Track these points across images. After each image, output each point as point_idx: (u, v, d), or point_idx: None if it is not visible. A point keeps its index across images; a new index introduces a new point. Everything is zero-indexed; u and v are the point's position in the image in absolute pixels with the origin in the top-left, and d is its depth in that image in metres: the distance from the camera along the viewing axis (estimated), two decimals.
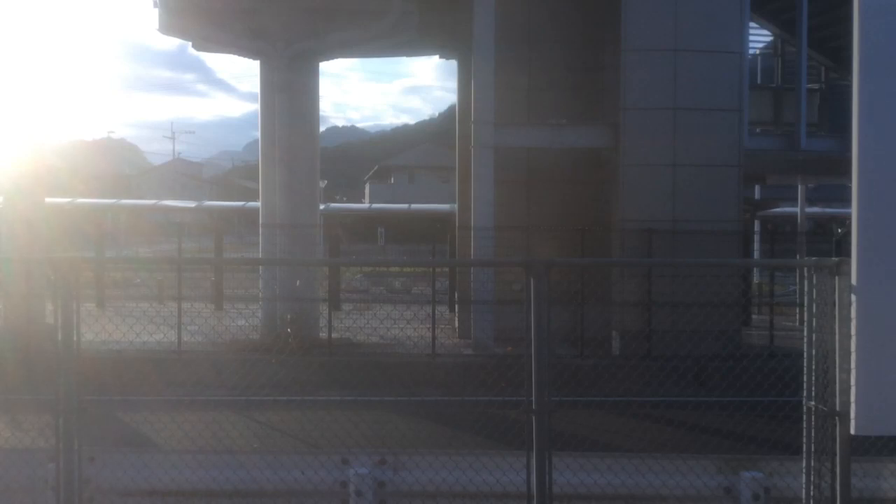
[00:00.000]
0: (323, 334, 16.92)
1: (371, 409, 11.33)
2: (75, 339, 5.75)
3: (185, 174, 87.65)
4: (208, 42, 18.41)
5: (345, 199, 74.45)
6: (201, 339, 16.63)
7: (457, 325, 19.18)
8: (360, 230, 51.42)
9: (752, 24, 21.66)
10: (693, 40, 16.06)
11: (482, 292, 16.11)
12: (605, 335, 16.50)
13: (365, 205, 39.98)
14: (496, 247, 16.15)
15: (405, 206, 33.71)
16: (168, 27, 17.61)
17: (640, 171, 16.19)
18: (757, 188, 28.14)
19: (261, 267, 17.98)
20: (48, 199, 25.71)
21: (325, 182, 58.04)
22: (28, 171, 16.17)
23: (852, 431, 4.48)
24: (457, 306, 19.83)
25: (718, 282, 15.89)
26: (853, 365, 4.58)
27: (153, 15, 17.77)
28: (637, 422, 11.44)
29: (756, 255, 27.69)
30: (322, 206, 29.61)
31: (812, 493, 5.44)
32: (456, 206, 20.63)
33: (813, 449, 5.41)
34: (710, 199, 16.08)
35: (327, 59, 18.69)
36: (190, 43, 19.17)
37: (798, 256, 11.49)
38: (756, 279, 24.88)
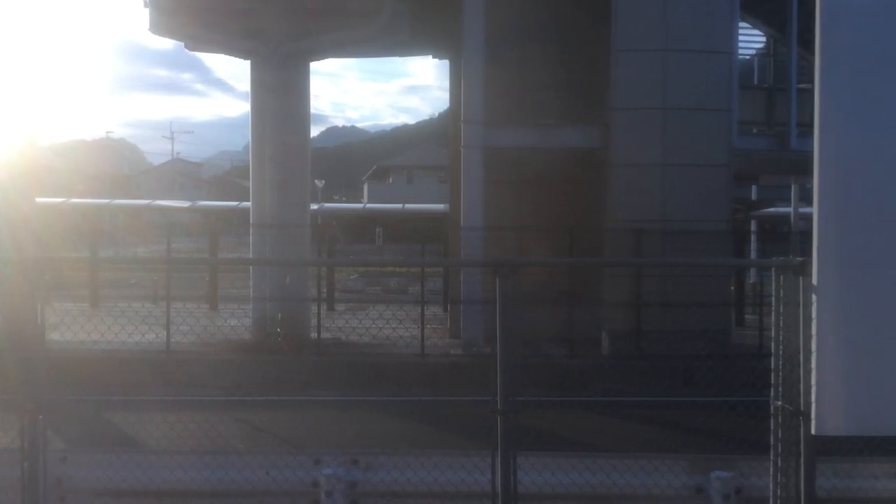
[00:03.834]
0: (314, 334, 16.94)
1: (357, 410, 11.35)
2: (40, 338, 5.75)
3: (183, 174, 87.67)
4: (199, 42, 18.43)
5: (344, 199, 74.45)
6: (192, 339, 16.63)
7: (449, 325, 19.18)
8: (359, 230, 51.48)
9: (746, 26, 21.69)
10: (683, 40, 16.05)
11: (471, 292, 16.11)
12: (597, 335, 16.51)
13: (359, 205, 39.95)
14: (485, 247, 16.14)
15: (399, 206, 33.70)
16: (159, 27, 17.61)
17: (629, 171, 16.18)
18: (754, 188, 28.15)
19: (251, 267, 17.96)
20: (43, 200, 25.78)
21: (323, 182, 58.01)
22: (18, 171, 16.17)
23: (813, 431, 4.48)
24: (449, 306, 19.84)
25: (708, 282, 15.92)
26: (813, 364, 4.58)
27: (144, 15, 17.77)
28: (623, 422, 11.41)
29: (753, 255, 27.67)
30: (316, 206, 29.73)
31: (779, 493, 5.44)
32: (449, 206, 20.65)
33: (780, 448, 5.42)
34: (699, 199, 16.08)
35: (319, 59, 18.69)
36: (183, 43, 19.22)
37: (791, 256, 11.46)
38: (751, 279, 24.89)
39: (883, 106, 4.61)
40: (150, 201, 30.62)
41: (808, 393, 4.88)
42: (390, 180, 68.88)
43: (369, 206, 37.86)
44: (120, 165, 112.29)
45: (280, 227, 16.76)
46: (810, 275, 4.78)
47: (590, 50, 17.29)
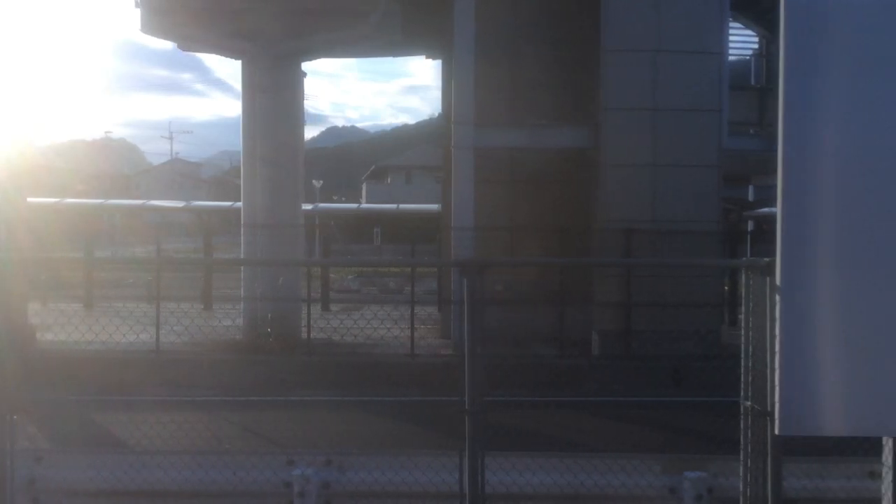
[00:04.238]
0: (305, 334, 16.96)
1: (346, 410, 11.36)
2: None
3: (182, 174, 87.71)
4: (192, 42, 18.45)
5: (344, 199, 74.45)
6: (184, 339, 16.63)
7: (441, 325, 19.20)
8: (357, 230, 51.47)
9: (739, 26, 21.69)
10: (673, 41, 16.05)
11: (460, 292, 16.07)
12: (588, 335, 16.52)
13: (354, 205, 39.98)
14: (476, 247, 16.15)
15: (394, 206, 33.73)
16: (150, 27, 17.62)
17: (620, 171, 16.18)
18: (751, 188, 28.17)
19: (242, 267, 17.97)
20: (37, 200, 25.78)
21: (321, 182, 58.06)
22: (12, 171, 16.20)
23: (776, 431, 4.49)
24: (441, 307, 19.85)
25: (704, 282, 15.93)
26: (777, 364, 4.59)
27: (136, 15, 17.77)
28: (612, 423, 11.43)
29: (749, 255, 27.65)
30: (310, 206, 29.70)
31: (749, 493, 5.45)
32: (442, 206, 20.65)
33: (750, 448, 5.43)
34: (690, 199, 16.07)
35: (311, 59, 18.70)
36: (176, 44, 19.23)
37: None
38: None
39: (846, 108, 4.62)
40: (144, 201, 30.62)
41: (773, 393, 4.89)
42: (389, 180, 68.90)
43: (364, 206, 37.86)
44: (120, 165, 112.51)
45: (272, 228, 16.77)
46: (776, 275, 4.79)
47: (581, 50, 17.29)
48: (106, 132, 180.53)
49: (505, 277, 17.93)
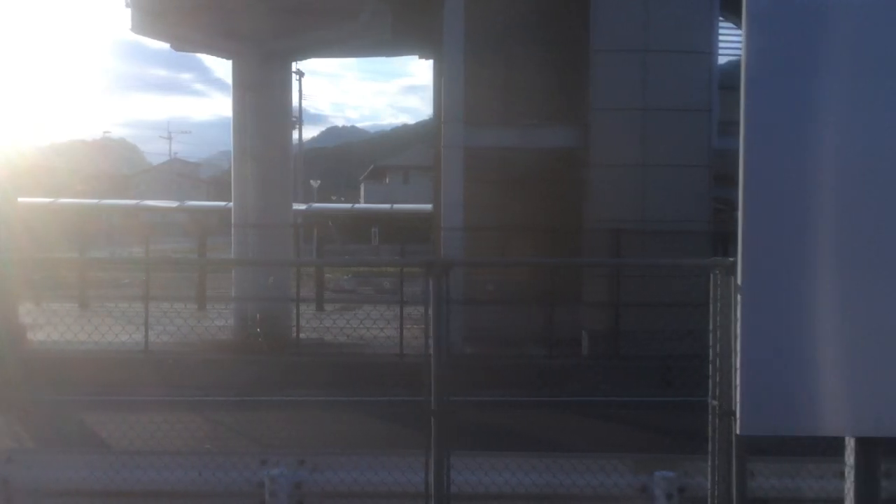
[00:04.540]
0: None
1: (333, 410, 11.38)
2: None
3: (181, 174, 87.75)
4: (182, 42, 18.47)
5: (343, 199, 74.44)
6: (175, 339, 16.64)
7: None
8: (355, 230, 51.47)
9: (730, 26, 21.66)
10: (662, 41, 16.04)
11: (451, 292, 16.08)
12: (578, 335, 16.52)
13: (347, 205, 40.03)
14: (466, 247, 16.16)
15: (388, 206, 33.76)
16: (141, 27, 17.63)
17: (609, 171, 16.18)
18: None
19: (233, 267, 17.99)
20: (29, 200, 25.79)
21: (319, 182, 58.10)
22: (5, 171, 16.23)
23: (737, 431, 4.50)
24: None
25: (696, 282, 15.86)
26: (738, 364, 4.61)
27: (126, 15, 17.77)
28: (598, 422, 11.43)
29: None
30: (304, 206, 29.76)
31: (717, 492, 5.46)
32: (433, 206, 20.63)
33: (718, 448, 5.44)
34: (679, 199, 16.07)
35: (301, 58, 18.74)
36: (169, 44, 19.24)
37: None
38: None
39: (807, 110, 4.63)
40: (138, 201, 30.63)
41: (735, 392, 4.90)
42: (387, 180, 68.91)
43: (357, 206, 37.90)
44: (119, 165, 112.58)
45: (262, 227, 16.78)
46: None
47: (572, 50, 17.29)
48: (104, 132, 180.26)
49: (496, 277, 17.96)
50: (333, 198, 72.28)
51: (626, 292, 15.94)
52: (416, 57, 21.76)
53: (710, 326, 5.49)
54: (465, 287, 16.84)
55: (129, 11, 17.72)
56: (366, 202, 60.92)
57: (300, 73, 58.08)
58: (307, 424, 10.78)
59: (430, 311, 5.22)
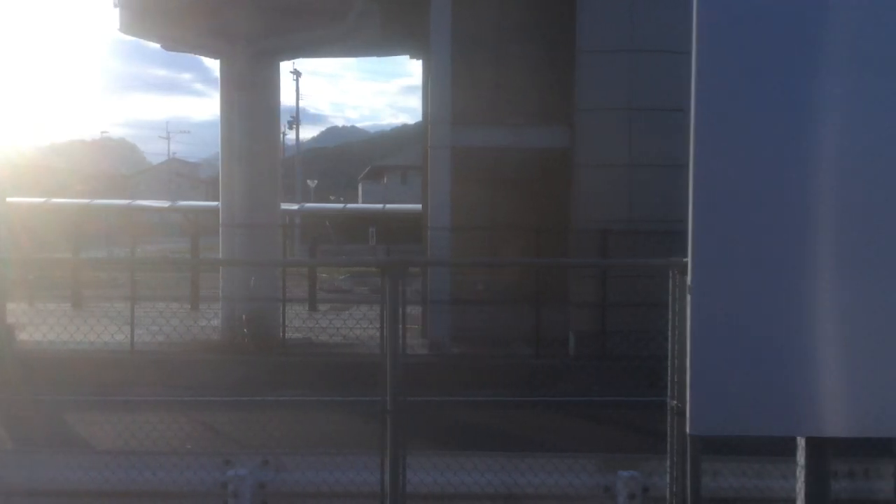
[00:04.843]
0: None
1: (318, 410, 11.38)
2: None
3: (180, 174, 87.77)
4: (171, 42, 18.46)
5: (342, 199, 74.45)
6: (163, 339, 16.65)
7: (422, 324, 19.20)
8: (352, 230, 51.47)
9: None
10: (648, 41, 16.02)
11: (437, 292, 16.13)
12: (565, 336, 16.52)
13: (339, 205, 40.12)
14: (453, 247, 16.16)
15: (380, 206, 33.79)
16: (129, 27, 17.63)
17: (596, 171, 16.17)
18: None
19: (221, 268, 18.00)
20: (21, 200, 25.82)
21: (316, 182, 58.13)
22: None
23: (687, 430, 4.49)
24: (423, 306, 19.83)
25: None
26: (688, 363, 4.60)
27: (114, 15, 17.76)
28: (582, 422, 11.43)
29: None
30: (296, 206, 29.81)
31: (675, 491, 5.46)
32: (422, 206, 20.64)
33: (676, 447, 5.44)
34: (667, 199, 16.01)
35: (289, 58, 18.75)
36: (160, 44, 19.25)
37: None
38: None
39: (756, 109, 4.63)
40: (129, 201, 30.63)
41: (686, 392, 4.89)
42: (385, 180, 68.90)
43: (349, 206, 37.98)
44: (119, 165, 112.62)
45: (249, 227, 16.78)
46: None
47: (560, 50, 17.29)
48: (102, 132, 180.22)
49: (485, 278, 17.97)
50: (332, 198, 72.33)
51: (613, 292, 15.93)
52: (404, 56, 21.76)
53: (670, 327, 5.49)
54: (452, 287, 16.88)
55: (117, 12, 17.71)
56: (364, 202, 60.94)
57: (297, 73, 58.22)
58: (288, 424, 10.76)
59: (385, 312, 5.21)
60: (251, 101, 17.26)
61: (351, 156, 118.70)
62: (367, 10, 17.21)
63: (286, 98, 55.90)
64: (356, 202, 64.21)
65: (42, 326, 14.04)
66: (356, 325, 16.18)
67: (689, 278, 4.69)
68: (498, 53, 17.74)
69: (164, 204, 28.17)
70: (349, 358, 15.73)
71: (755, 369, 4.73)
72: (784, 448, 6.09)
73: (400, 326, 5.24)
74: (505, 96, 17.58)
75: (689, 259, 4.70)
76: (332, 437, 10.14)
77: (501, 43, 17.69)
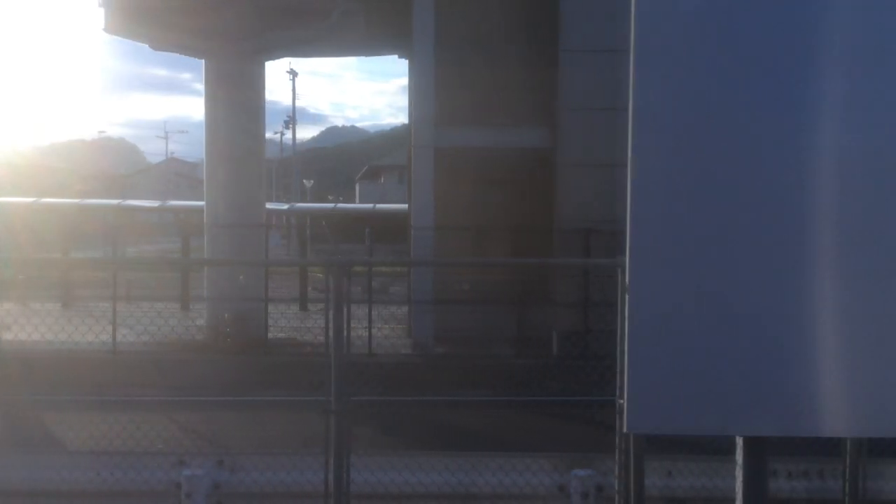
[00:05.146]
0: (270, 334, 17.00)
1: (297, 410, 11.36)
2: None
3: (179, 174, 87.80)
4: (155, 41, 18.44)
5: (342, 199, 74.47)
6: (149, 339, 16.65)
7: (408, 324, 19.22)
8: (349, 230, 51.38)
9: None
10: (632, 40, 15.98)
11: (421, 292, 16.14)
12: (549, 335, 16.51)
13: (329, 204, 40.22)
14: (436, 247, 16.17)
15: (370, 205, 33.85)
16: (113, 27, 17.61)
17: (579, 171, 16.16)
18: None
19: (206, 267, 18.01)
20: (11, 200, 25.83)
21: (312, 182, 58.14)
22: None
23: (624, 428, 4.50)
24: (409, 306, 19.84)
25: None
26: (626, 363, 4.59)
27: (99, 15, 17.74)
28: (563, 422, 11.43)
29: None
30: (286, 206, 29.89)
31: (619, 489, 5.47)
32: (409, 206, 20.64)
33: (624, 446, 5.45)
34: None
35: (274, 58, 18.71)
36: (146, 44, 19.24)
37: None
38: None
39: (693, 107, 4.62)
40: (120, 201, 30.67)
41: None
42: (382, 180, 68.92)
43: (339, 205, 38.06)
44: (118, 165, 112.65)
45: (231, 227, 16.77)
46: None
47: (542, 50, 17.28)
48: (99, 132, 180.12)
49: (471, 277, 17.96)
50: (330, 197, 72.36)
51: (597, 291, 15.91)
52: (392, 56, 21.76)
53: (618, 327, 5.49)
54: (440, 288, 16.89)
55: (101, 11, 17.69)
56: (361, 202, 60.91)
57: (293, 73, 58.27)
58: (259, 425, 10.77)
59: (331, 311, 5.21)
60: (234, 101, 17.23)
61: (350, 155, 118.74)
62: (351, 10, 17.18)
63: (284, 98, 55.86)
64: (354, 202, 64.24)
65: (27, 326, 14.05)
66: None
67: (627, 277, 4.70)
68: (482, 53, 17.72)
69: (154, 204, 28.19)
70: (328, 358, 15.70)
71: (692, 368, 4.73)
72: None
73: (345, 325, 5.23)
74: (489, 96, 17.56)
75: (626, 258, 4.70)
76: (303, 436, 10.12)
77: (485, 43, 17.67)
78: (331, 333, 5.30)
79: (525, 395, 12.37)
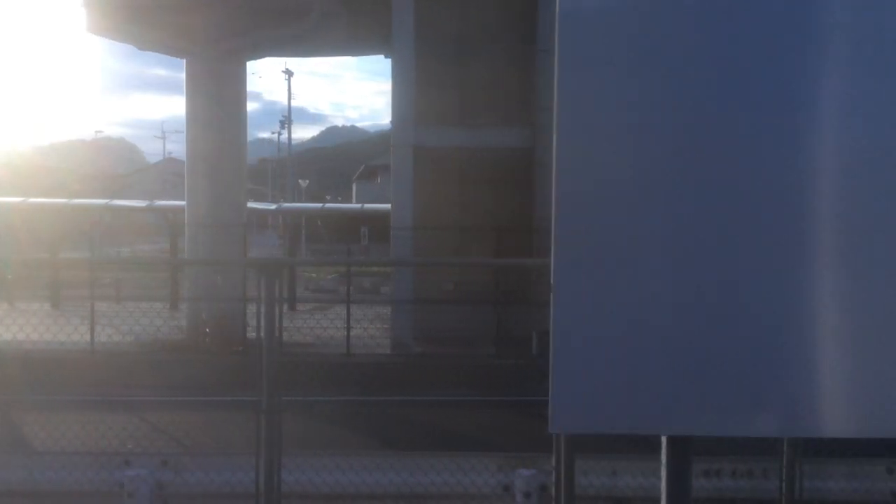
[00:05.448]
0: (252, 334, 16.94)
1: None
2: None
3: (176, 174, 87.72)
4: (137, 41, 18.41)
5: (340, 199, 74.46)
6: (132, 339, 16.63)
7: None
8: (346, 230, 51.45)
9: None
10: None
11: (401, 291, 16.12)
12: (529, 335, 16.47)
13: (318, 204, 40.27)
14: (416, 247, 16.15)
15: (358, 205, 33.87)
16: (95, 27, 17.57)
17: None
18: None
19: (185, 267, 17.99)
20: (3, 200, 25.83)
21: (307, 181, 58.11)
22: None
23: (548, 429, 4.45)
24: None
25: None
26: (551, 363, 4.56)
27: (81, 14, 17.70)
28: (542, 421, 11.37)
29: None
30: (274, 206, 29.90)
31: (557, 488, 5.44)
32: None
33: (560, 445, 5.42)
34: None
35: (254, 57, 18.68)
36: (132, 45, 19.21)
37: None
38: None
39: (618, 103, 4.60)
40: (107, 201, 30.67)
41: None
42: (378, 180, 68.84)
43: (327, 206, 38.08)
44: (117, 165, 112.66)
45: (211, 227, 16.74)
46: None
47: (522, 50, 17.27)
48: (96, 132, 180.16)
49: (455, 277, 17.95)
50: (328, 197, 72.37)
51: None
52: (378, 56, 21.72)
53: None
54: (421, 287, 16.86)
55: (83, 11, 17.65)
56: (357, 202, 60.80)
57: (289, 73, 58.27)
58: (233, 424, 10.76)
59: (263, 311, 5.19)
60: (215, 101, 17.19)
61: (350, 155, 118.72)
62: (332, 10, 17.15)
63: (284, 98, 55.75)
64: (351, 202, 64.19)
65: (12, 326, 14.04)
66: (331, 325, 16.20)
67: (552, 277, 4.67)
68: (462, 53, 17.70)
69: (142, 203, 28.19)
70: (309, 357, 15.69)
71: (617, 368, 4.69)
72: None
73: (277, 326, 5.21)
74: (469, 96, 17.54)
75: (552, 257, 4.68)
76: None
77: (465, 43, 17.65)
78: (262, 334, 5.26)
79: (498, 396, 12.39)
